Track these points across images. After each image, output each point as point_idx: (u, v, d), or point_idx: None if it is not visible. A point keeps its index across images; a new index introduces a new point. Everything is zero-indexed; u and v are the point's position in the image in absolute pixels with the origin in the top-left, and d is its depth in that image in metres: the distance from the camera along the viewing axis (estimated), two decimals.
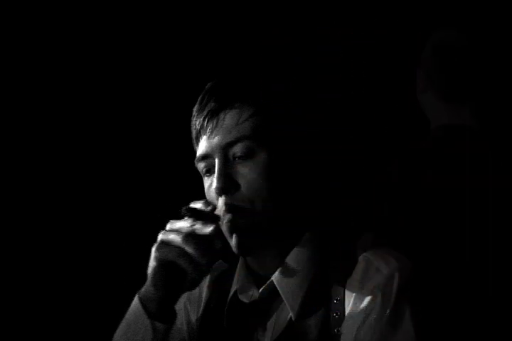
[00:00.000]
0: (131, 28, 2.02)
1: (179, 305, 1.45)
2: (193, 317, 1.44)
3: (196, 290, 1.45)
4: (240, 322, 1.32)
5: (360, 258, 1.24)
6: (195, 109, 1.30)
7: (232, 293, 1.34)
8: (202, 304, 1.43)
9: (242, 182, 1.23)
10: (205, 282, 1.45)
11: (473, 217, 1.72)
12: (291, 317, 1.24)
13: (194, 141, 1.31)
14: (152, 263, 1.20)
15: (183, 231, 1.18)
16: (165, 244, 1.18)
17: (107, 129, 2.05)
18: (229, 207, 1.23)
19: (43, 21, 2.02)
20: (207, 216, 1.20)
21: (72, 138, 2.04)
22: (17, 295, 2.00)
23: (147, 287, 1.22)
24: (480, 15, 1.82)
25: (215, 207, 1.22)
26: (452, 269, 1.68)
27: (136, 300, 1.24)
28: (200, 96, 1.29)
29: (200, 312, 1.42)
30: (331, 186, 1.35)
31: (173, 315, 1.24)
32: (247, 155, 1.24)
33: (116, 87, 2.04)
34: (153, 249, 1.19)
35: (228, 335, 1.32)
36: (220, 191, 1.23)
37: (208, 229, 1.18)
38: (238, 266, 1.36)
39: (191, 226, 1.19)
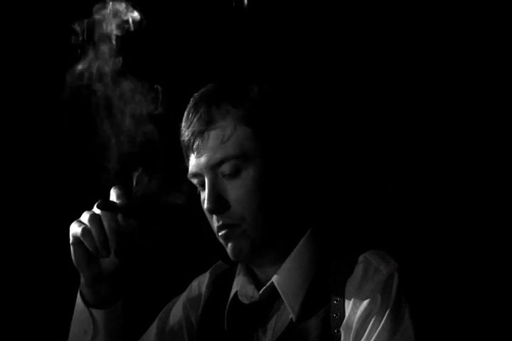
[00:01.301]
0: None
1: (178, 305, 1.47)
2: (193, 318, 1.44)
3: (196, 290, 1.47)
4: (241, 324, 1.32)
5: (360, 258, 1.25)
6: (182, 126, 1.31)
7: (232, 294, 1.34)
8: (201, 304, 1.43)
9: (231, 200, 1.26)
10: (205, 282, 1.46)
11: (472, 216, 1.72)
12: (291, 318, 1.25)
13: (185, 157, 1.33)
14: (70, 244, 1.30)
15: (92, 211, 1.27)
16: (77, 221, 1.27)
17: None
18: (221, 225, 1.27)
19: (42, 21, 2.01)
20: (115, 208, 1.27)
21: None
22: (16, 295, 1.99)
23: (80, 276, 1.32)
24: None
25: (126, 201, 1.28)
26: (451, 269, 1.69)
27: (78, 293, 1.34)
28: (185, 114, 1.31)
29: (199, 313, 1.42)
30: (321, 191, 1.36)
31: (110, 300, 1.33)
32: (234, 174, 1.25)
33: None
34: (70, 227, 1.28)
35: (228, 336, 1.33)
36: (211, 212, 1.27)
37: (113, 217, 1.25)
38: (238, 267, 1.37)
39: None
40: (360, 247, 1.28)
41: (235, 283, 1.35)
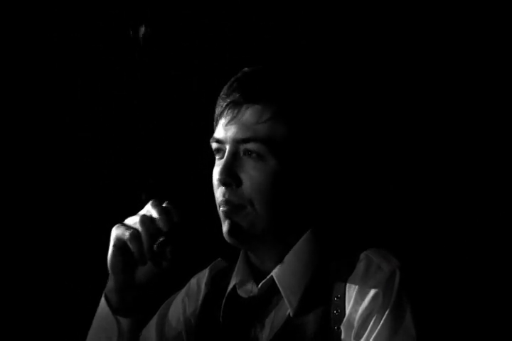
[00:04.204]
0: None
1: (177, 302, 1.46)
2: (191, 314, 1.43)
3: (195, 287, 1.46)
4: (238, 318, 1.31)
5: (361, 256, 1.24)
6: (222, 92, 1.29)
7: (230, 287, 1.33)
8: (200, 301, 1.42)
9: (245, 180, 1.24)
10: (204, 279, 1.45)
11: (473, 215, 1.72)
12: (289, 314, 1.24)
13: (214, 120, 1.30)
14: (110, 246, 1.25)
15: (143, 214, 1.23)
16: (123, 224, 1.23)
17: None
18: (226, 201, 1.24)
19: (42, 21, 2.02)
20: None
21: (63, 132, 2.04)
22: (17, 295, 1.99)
23: (109, 278, 1.28)
24: None
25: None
26: (452, 267, 1.68)
27: (102, 297, 1.29)
28: (230, 81, 1.28)
29: (198, 309, 1.41)
30: (334, 189, 1.35)
31: (137, 309, 1.29)
32: (258, 157, 1.24)
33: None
34: (112, 229, 1.24)
35: (225, 331, 1.32)
36: (221, 183, 1.24)
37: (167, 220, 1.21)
38: (238, 261, 1.36)
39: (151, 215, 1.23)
40: (361, 245, 1.27)
41: (233, 277, 1.34)
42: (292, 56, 1.88)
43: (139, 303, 1.30)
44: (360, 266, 1.22)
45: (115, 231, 1.23)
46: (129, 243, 1.20)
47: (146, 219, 1.21)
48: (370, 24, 1.87)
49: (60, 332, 1.93)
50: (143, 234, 1.20)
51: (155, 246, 1.19)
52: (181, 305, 1.45)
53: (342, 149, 1.36)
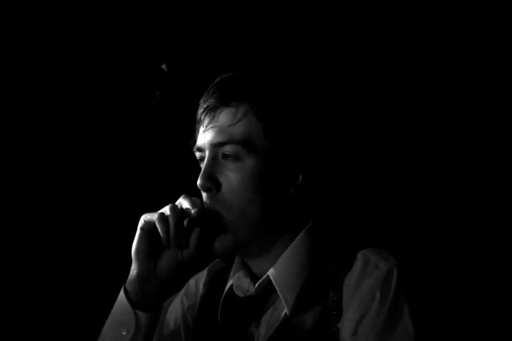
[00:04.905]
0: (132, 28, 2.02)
1: (176, 302, 1.46)
2: (190, 314, 1.43)
3: (193, 287, 1.46)
4: (235, 317, 1.31)
5: (359, 255, 1.24)
6: (200, 100, 1.30)
7: (228, 286, 1.33)
8: (198, 300, 1.43)
9: (224, 183, 1.25)
10: (202, 279, 1.45)
11: (471, 214, 1.72)
12: (286, 313, 1.24)
13: (196, 130, 1.32)
14: (137, 231, 1.27)
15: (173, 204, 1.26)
16: (152, 211, 1.26)
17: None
18: (209, 206, 1.25)
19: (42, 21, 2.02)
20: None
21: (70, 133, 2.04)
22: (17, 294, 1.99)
23: (131, 268, 1.28)
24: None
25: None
26: (450, 266, 1.68)
27: (121, 290, 1.29)
28: (207, 90, 1.30)
29: (196, 309, 1.42)
30: (322, 189, 1.35)
31: (156, 303, 1.29)
32: (235, 159, 1.24)
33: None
34: (142, 216, 1.27)
35: (222, 330, 1.32)
36: (201, 187, 1.26)
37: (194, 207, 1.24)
38: (235, 261, 1.36)
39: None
40: (359, 244, 1.27)
41: (230, 277, 1.35)
42: (289, 55, 1.88)
43: (159, 297, 1.30)
44: (358, 265, 1.22)
45: (144, 216, 1.26)
46: (156, 223, 1.23)
47: (176, 207, 1.24)
48: (359, 26, 1.88)
49: (74, 327, 1.93)
50: (171, 216, 1.22)
51: (185, 222, 1.22)
52: (180, 305, 1.45)
53: (331, 147, 1.36)
